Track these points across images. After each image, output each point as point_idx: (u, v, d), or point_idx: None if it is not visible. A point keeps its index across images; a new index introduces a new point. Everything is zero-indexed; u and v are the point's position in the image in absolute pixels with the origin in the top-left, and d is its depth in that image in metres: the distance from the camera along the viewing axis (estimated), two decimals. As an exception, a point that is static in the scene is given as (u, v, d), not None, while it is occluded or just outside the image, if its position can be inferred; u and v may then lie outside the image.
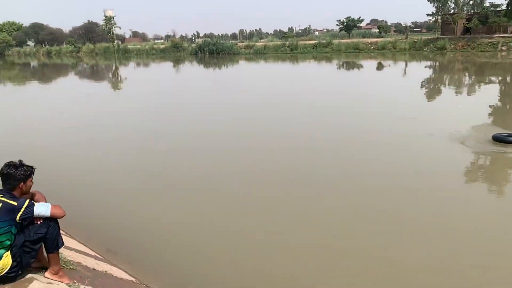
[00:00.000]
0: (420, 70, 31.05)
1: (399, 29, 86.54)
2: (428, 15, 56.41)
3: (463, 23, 49.22)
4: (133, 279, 4.52)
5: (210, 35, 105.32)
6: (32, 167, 3.51)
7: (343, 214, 6.23)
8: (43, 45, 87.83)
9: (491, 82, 22.69)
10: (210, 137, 11.20)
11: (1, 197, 3.24)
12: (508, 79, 24.15)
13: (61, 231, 3.58)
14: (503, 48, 40.13)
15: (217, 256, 5.17)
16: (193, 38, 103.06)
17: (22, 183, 3.38)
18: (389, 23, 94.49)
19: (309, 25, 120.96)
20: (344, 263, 4.95)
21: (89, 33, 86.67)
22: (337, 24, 71.32)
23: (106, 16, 72.64)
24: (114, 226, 6.02)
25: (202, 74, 34.68)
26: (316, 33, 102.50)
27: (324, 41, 55.43)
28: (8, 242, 3.22)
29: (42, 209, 3.31)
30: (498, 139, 9.12)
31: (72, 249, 4.59)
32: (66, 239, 3.73)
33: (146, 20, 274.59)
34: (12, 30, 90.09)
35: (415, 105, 15.22)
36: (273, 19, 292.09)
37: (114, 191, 7.45)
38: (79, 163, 9.21)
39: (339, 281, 4.65)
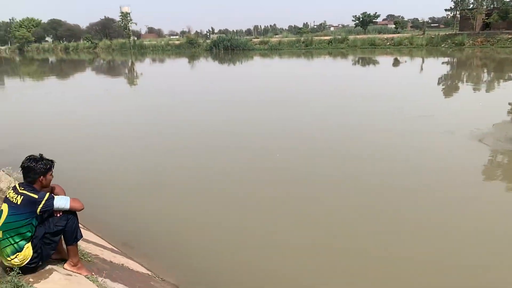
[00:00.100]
0: (437, 66, 30.54)
1: (416, 24, 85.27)
2: (446, 10, 55.75)
3: (483, 19, 48.15)
4: (149, 273, 4.59)
5: (225, 31, 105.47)
6: (51, 161, 3.58)
7: (371, 213, 6.21)
8: (61, 41, 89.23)
9: (511, 78, 22.18)
10: (226, 135, 11.26)
11: (22, 190, 3.33)
12: (528, 75, 23.58)
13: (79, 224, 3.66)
14: (524, 44, 39.15)
15: (227, 253, 5.23)
16: (208, 34, 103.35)
17: (42, 177, 3.45)
18: (405, 19, 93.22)
19: (324, 21, 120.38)
20: (345, 263, 4.94)
21: (105, 29, 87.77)
22: (352, 20, 70.60)
23: (122, 12, 73.25)
24: (130, 220, 6.12)
25: (217, 70, 34.75)
26: (332, 28, 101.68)
27: (340, 36, 54.84)
28: (29, 234, 3.31)
29: (61, 202, 3.39)
30: None
31: (90, 242, 4.68)
32: (84, 232, 3.80)
33: (162, 16, 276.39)
34: (31, 27, 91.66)
35: (433, 102, 15.00)
36: (288, 15, 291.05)
37: (131, 187, 7.54)
38: (98, 159, 9.37)
39: (339, 281, 4.64)
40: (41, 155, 3.53)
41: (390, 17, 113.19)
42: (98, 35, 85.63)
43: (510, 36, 40.91)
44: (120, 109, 15.69)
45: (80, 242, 3.75)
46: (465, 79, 22.82)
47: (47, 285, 3.23)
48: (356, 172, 7.86)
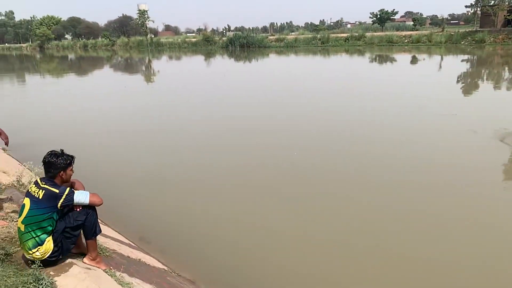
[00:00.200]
0: (457, 64, 29.94)
1: (435, 21, 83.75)
2: (466, 6, 54.32)
3: (504, 15, 46.91)
4: (165, 268, 4.65)
5: (241, 29, 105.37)
6: (72, 156, 3.65)
7: (392, 211, 6.17)
8: (80, 39, 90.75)
9: (533, 77, 21.63)
10: (246, 132, 11.33)
11: (44, 184, 3.40)
12: (552, 74, 22.93)
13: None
14: (548, 41, 38.11)
15: (243, 248, 5.26)
16: (224, 31, 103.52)
17: (62, 172, 3.51)
18: (424, 16, 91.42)
19: (341, 18, 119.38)
20: (368, 262, 4.89)
21: (123, 26, 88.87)
22: (370, 17, 69.71)
23: (140, 10, 74.03)
24: (147, 216, 6.20)
25: (233, 67, 34.79)
26: (348, 26, 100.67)
27: (357, 34, 54.31)
28: (50, 228, 3.38)
29: (81, 197, 3.45)
30: None
31: (108, 237, 4.76)
32: (102, 227, 3.86)
33: (179, 13, 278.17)
34: (52, 24, 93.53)
35: (454, 101, 14.78)
36: (304, 12, 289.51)
37: (148, 183, 7.63)
38: (117, 154, 9.52)
39: (350, 279, 4.63)
40: (62, 151, 3.60)
41: (408, 14, 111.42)
42: (116, 33, 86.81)
43: (533, 33, 39.91)
44: (139, 105, 15.89)
45: (98, 237, 3.81)
46: (485, 77, 22.33)
47: (67, 278, 3.29)
48: (378, 170, 7.81)
